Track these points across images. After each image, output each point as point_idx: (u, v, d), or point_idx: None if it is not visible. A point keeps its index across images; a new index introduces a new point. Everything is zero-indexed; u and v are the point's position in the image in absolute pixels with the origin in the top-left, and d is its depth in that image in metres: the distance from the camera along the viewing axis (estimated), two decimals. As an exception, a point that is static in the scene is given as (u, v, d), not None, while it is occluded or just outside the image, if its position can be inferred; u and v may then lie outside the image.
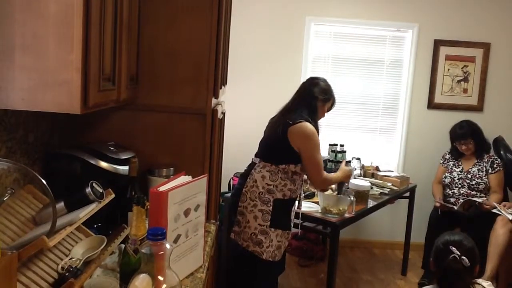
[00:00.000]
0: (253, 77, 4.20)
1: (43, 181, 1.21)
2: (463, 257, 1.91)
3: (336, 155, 3.95)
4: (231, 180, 3.70)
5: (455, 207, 3.72)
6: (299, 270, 3.95)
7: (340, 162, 3.87)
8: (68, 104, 1.28)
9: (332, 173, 2.79)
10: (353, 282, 3.80)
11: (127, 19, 1.66)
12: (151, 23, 1.92)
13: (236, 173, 3.72)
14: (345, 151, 3.97)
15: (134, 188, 1.69)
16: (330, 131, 4.27)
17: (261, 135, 2.72)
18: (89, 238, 1.53)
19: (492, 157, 3.86)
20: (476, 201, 3.68)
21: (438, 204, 3.81)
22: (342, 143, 4.02)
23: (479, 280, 2.04)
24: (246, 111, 4.13)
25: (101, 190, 1.46)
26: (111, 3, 1.45)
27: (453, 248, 1.94)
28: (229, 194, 2.95)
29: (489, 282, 2.08)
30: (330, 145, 4.02)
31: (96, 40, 1.33)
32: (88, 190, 1.41)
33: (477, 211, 3.66)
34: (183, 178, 1.52)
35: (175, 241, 1.41)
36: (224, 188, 3.48)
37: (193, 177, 1.76)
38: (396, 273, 4.00)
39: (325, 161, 3.81)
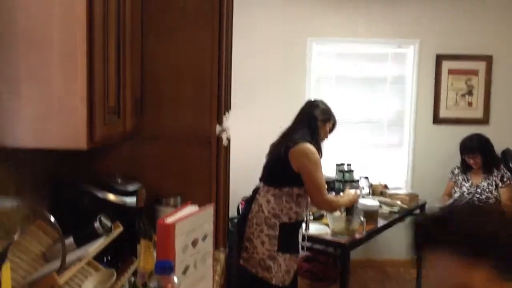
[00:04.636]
0: (257, 98, 4.23)
1: (52, 218, 1.23)
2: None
3: (343, 175, 3.94)
4: (240, 204, 3.70)
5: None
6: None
7: (349, 182, 3.89)
8: (74, 139, 1.29)
9: (339, 197, 2.80)
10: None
11: (130, 47, 1.69)
12: (154, 49, 1.94)
13: (244, 197, 3.72)
14: (352, 170, 3.96)
15: (141, 219, 1.70)
16: (336, 150, 4.27)
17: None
18: (99, 272, 1.54)
19: (502, 171, 3.83)
20: None
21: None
22: (349, 163, 4.01)
23: None
24: (252, 134, 4.15)
25: (109, 224, 1.48)
26: (114, 32, 1.48)
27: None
28: (236, 220, 2.95)
29: None
30: (337, 165, 4.01)
31: (100, 70, 1.34)
32: (97, 224, 1.43)
33: None
34: (190, 208, 1.53)
35: (184, 272, 1.41)
36: (232, 213, 3.48)
37: (200, 205, 1.77)
38: (410, 292, 3.96)
39: (333, 181, 3.81)
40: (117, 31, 1.52)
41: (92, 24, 1.26)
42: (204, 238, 1.52)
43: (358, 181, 3.90)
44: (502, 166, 3.86)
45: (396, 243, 4.43)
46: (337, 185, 3.90)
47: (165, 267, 1.07)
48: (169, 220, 1.36)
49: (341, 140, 4.26)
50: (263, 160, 2.76)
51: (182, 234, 1.38)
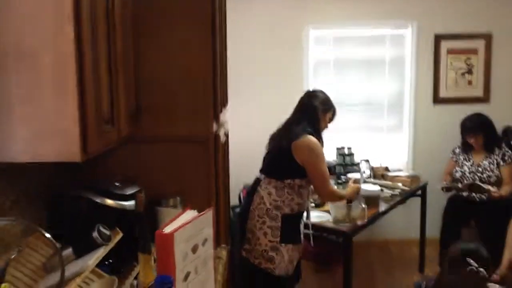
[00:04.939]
0: (256, 84, 4.20)
1: (46, 234, 1.23)
2: (481, 269, 1.89)
3: (344, 158, 3.95)
4: (241, 192, 3.71)
5: (459, 185, 3.71)
6: (315, 276, 3.95)
7: (349, 165, 3.89)
8: (68, 153, 1.29)
9: (341, 189, 2.81)
10: (370, 282, 3.79)
11: (121, 53, 1.67)
12: (146, 52, 1.92)
13: (245, 184, 3.73)
14: (352, 154, 3.96)
15: (141, 228, 1.70)
16: (336, 134, 4.25)
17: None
18: (101, 280, 1.54)
19: (503, 149, 3.81)
20: (482, 186, 3.64)
21: (444, 183, 3.80)
22: (349, 146, 4.00)
23: (489, 284, 2.02)
24: (251, 120, 4.14)
25: (108, 233, 1.48)
26: (104, 41, 1.46)
27: (471, 260, 1.92)
28: (238, 210, 2.96)
29: (497, 286, 2.05)
30: (338, 148, 4.01)
31: (91, 85, 1.33)
32: (95, 234, 1.43)
33: (487, 199, 3.64)
34: (189, 214, 1.53)
35: (185, 279, 1.41)
36: (234, 201, 3.49)
37: (200, 204, 1.77)
38: (413, 270, 3.98)
39: (334, 166, 3.81)
40: (108, 40, 1.49)
41: (80, 38, 1.25)
42: (204, 242, 1.53)
43: (358, 164, 3.90)
44: (503, 145, 3.84)
45: (399, 223, 4.46)
46: (337, 169, 3.91)
47: (164, 283, 1.07)
48: (168, 229, 1.36)
49: (341, 124, 4.23)
50: (263, 147, 2.74)
51: (181, 242, 1.38)
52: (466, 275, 1.91)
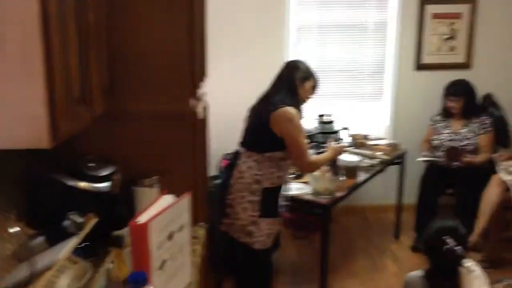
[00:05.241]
0: (236, 51, 4.08)
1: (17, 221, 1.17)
2: (458, 247, 1.91)
3: (324, 126, 3.91)
4: (220, 163, 3.66)
5: (441, 160, 3.78)
6: (294, 243, 4.00)
7: (330, 133, 3.86)
8: (37, 139, 1.23)
9: (320, 155, 2.76)
10: (348, 248, 3.86)
11: (94, 27, 1.57)
12: (120, 26, 1.82)
13: (225, 153, 3.68)
14: (332, 121, 3.93)
15: (117, 206, 1.66)
16: (317, 101, 4.19)
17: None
18: (75, 266, 1.51)
19: (481, 118, 3.83)
20: (457, 148, 3.72)
21: (424, 157, 3.84)
22: (329, 113, 3.96)
23: (463, 261, 2.05)
24: (231, 88, 4.04)
25: (81, 220, 1.43)
26: (73, 15, 1.36)
27: (449, 239, 1.94)
28: (218, 181, 2.92)
29: (473, 262, 2.09)
30: (318, 116, 3.96)
31: (59, 64, 1.24)
32: (67, 222, 1.38)
33: (463, 165, 3.71)
34: (166, 199, 1.49)
35: (161, 267, 1.39)
36: (213, 171, 3.45)
37: (178, 184, 1.73)
38: (390, 237, 4.06)
39: (314, 134, 3.77)
40: (77, 14, 1.39)
41: (46, 13, 1.15)
42: (181, 228, 1.50)
43: (339, 132, 3.88)
44: (482, 115, 3.86)
45: (376, 189, 4.49)
46: (318, 137, 3.87)
47: (138, 281, 1.04)
48: (142, 219, 1.32)
49: (321, 91, 4.18)
50: (243, 113, 2.68)
51: (156, 231, 1.35)
52: (445, 254, 1.93)
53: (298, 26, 4.15)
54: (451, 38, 4.24)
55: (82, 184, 1.65)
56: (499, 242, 3.60)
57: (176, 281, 1.49)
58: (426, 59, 4.26)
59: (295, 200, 2.82)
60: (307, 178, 3.00)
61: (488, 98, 4.10)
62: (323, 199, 2.80)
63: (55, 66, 1.21)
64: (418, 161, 3.96)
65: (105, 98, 1.70)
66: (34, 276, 1.22)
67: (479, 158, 3.74)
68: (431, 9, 4.14)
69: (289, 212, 2.78)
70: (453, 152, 3.74)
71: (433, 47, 4.24)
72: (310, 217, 4.22)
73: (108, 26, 1.74)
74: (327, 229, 2.89)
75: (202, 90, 2.21)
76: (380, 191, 4.50)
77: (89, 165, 1.74)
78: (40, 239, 1.38)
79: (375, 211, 4.56)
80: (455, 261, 1.94)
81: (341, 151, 2.85)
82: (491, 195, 3.46)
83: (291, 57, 4.03)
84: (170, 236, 1.43)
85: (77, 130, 1.44)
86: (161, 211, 1.37)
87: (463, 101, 3.80)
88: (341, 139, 3.77)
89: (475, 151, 3.80)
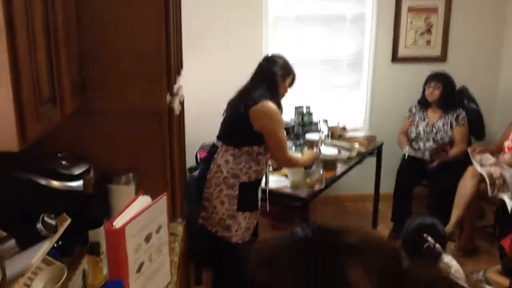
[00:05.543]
0: (212, 42, 4.01)
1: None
2: (437, 245, 1.93)
3: (302, 118, 3.91)
4: (197, 154, 3.62)
5: (425, 157, 3.83)
6: (272, 233, 4.00)
7: (308, 125, 3.86)
8: (4, 142, 1.18)
9: (300, 157, 2.78)
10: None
11: (62, 21, 1.50)
12: (91, 22, 1.75)
13: (202, 144, 3.65)
14: (311, 113, 3.93)
15: (92, 205, 1.61)
16: (295, 93, 4.18)
17: (225, 103, 2.62)
18: (50, 267, 1.46)
19: (458, 111, 3.88)
20: (443, 145, 3.80)
21: (406, 150, 3.87)
22: (308, 105, 3.96)
23: (442, 256, 2.08)
24: (207, 78, 3.99)
25: (53, 222, 1.38)
26: (40, 10, 1.30)
27: (428, 237, 1.95)
28: (196, 172, 2.87)
29: (450, 257, 2.12)
30: (296, 107, 3.95)
31: (26, 63, 1.18)
32: (39, 225, 1.33)
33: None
34: (142, 200, 1.45)
35: (138, 270, 1.36)
36: (190, 162, 3.41)
37: (154, 182, 1.70)
38: (368, 226, 4.09)
39: (292, 126, 3.77)
40: (45, 9, 1.33)
41: (10, 10, 1.10)
42: (159, 229, 1.46)
43: (317, 123, 3.88)
44: (458, 108, 3.91)
45: (354, 179, 4.52)
46: (296, 129, 3.87)
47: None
48: (118, 223, 1.28)
49: (299, 82, 4.16)
50: (219, 106, 2.64)
51: (133, 235, 1.31)
52: (424, 252, 1.95)
53: (275, 17, 4.11)
54: (427, 32, 4.27)
55: (55, 183, 1.60)
56: (473, 232, 3.67)
57: (155, 282, 1.47)
58: (403, 52, 4.28)
59: (273, 193, 2.81)
60: (285, 171, 3.00)
61: (463, 91, 4.15)
62: (302, 193, 2.80)
63: (21, 67, 1.15)
64: (394, 150, 4.00)
65: (77, 96, 1.64)
66: (7, 282, 1.18)
67: (454, 150, 3.80)
68: (407, 3, 4.16)
69: (268, 204, 2.77)
70: (440, 150, 3.80)
71: (410, 40, 4.27)
72: (289, 208, 4.23)
73: (79, 23, 1.68)
74: (307, 221, 2.88)
75: (178, 85, 2.16)
76: (358, 181, 4.53)
77: (62, 163, 1.69)
78: (10, 242, 1.32)
79: (353, 201, 4.59)
80: (435, 258, 1.97)
81: (317, 157, 2.86)
82: (466, 186, 3.52)
83: (269, 49, 4.01)
84: (147, 238, 1.39)
85: (48, 130, 1.38)
86: (138, 213, 1.34)
87: (442, 88, 3.83)
88: (320, 130, 3.78)
89: (450, 143, 3.86)
